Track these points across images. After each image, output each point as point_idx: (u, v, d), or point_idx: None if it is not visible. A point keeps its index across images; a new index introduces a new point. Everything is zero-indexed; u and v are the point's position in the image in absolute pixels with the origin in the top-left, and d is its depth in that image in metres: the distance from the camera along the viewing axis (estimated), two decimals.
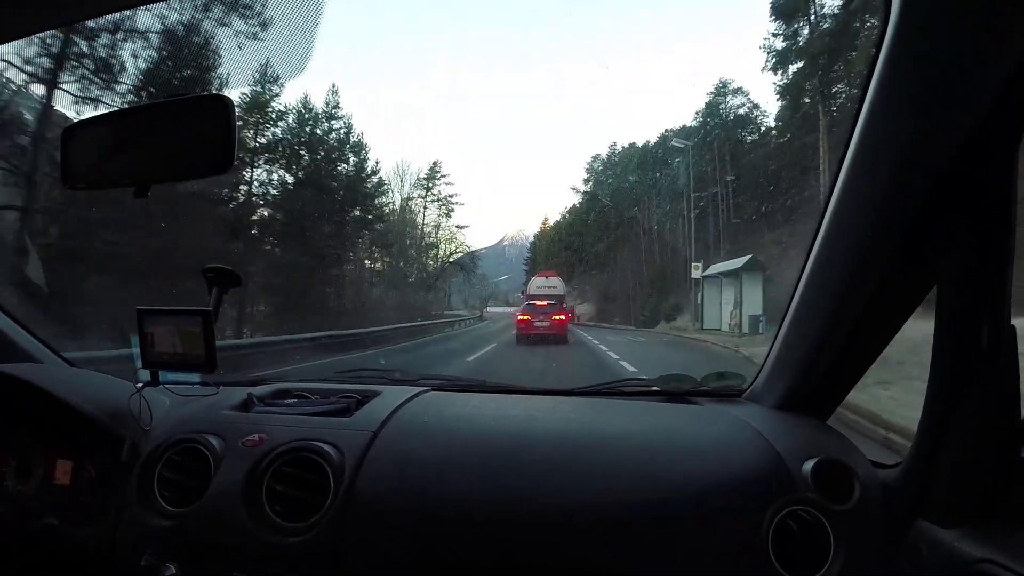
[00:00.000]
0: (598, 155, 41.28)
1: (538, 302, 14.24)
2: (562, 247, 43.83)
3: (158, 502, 0.95)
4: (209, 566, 0.89)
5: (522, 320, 13.19)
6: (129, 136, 0.80)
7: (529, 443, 0.94)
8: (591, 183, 41.46)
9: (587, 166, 41.81)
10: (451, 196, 34.96)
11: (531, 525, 0.82)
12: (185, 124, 0.76)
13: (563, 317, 13.48)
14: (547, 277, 23.72)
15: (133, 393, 1.01)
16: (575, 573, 0.81)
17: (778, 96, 23.51)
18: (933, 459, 0.72)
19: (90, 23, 8.47)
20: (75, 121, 0.85)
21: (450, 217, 34.59)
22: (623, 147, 38.95)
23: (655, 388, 1.29)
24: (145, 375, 0.99)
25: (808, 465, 0.82)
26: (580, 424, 1.02)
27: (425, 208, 33.55)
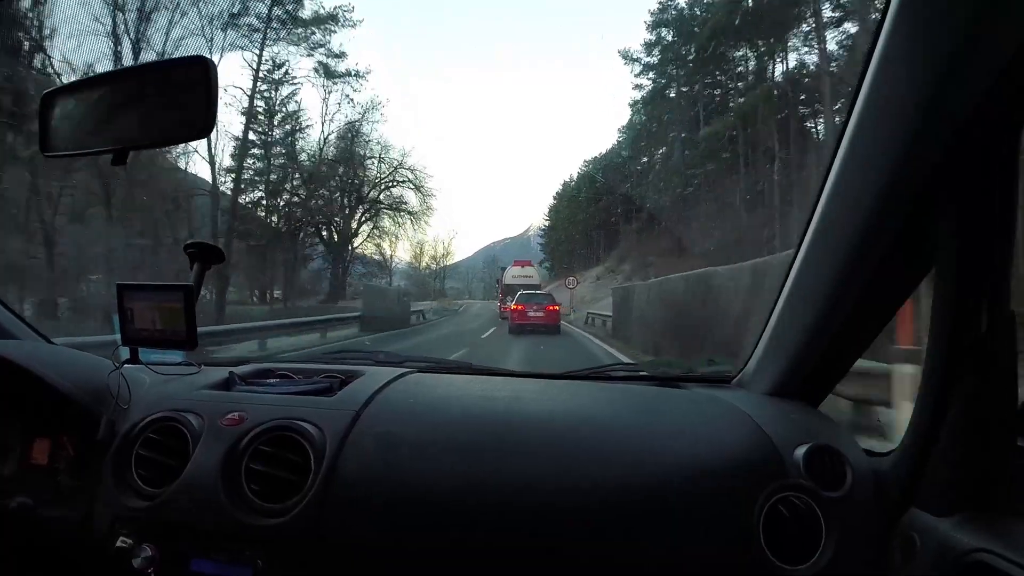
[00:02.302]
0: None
1: (524, 291, 14.44)
2: (591, 200, 31.84)
3: (135, 482, 0.93)
4: (186, 547, 0.87)
5: (516, 310, 13.09)
6: (109, 101, 0.78)
7: (515, 425, 0.92)
8: (657, 51, 23.55)
9: (651, 19, 24.10)
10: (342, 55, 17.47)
11: (515, 507, 0.81)
12: (165, 88, 0.74)
13: (556, 308, 13.55)
14: (523, 267, 23.63)
15: (112, 371, 0.98)
16: (562, 556, 0.79)
17: None
18: (927, 447, 0.70)
19: None
20: (56, 87, 0.83)
21: (350, 101, 18.40)
22: None
23: (644, 373, 1.28)
24: (125, 352, 0.97)
25: (800, 451, 0.80)
26: (567, 407, 1.00)
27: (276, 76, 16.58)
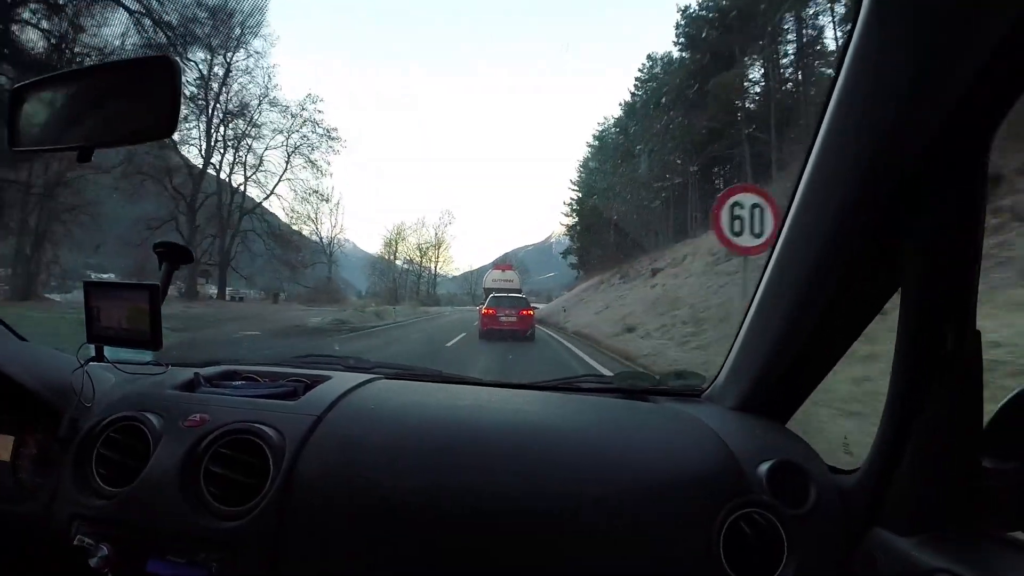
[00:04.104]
0: None
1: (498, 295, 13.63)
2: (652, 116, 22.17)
3: (95, 480, 0.92)
4: (143, 548, 0.86)
5: (486, 314, 12.33)
6: (76, 98, 0.79)
7: (476, 433, 0.91)
8: None
9: None
10: None
11: (474, 514, 0.80)
12: (131, 86, 0.75)
13: (531, 312, 12.70)
14: (503, 271, 24.60)
15: (77, 368, 0.97)
16: (518, 565, 0.78)
17: None
18: (892, 466, 0.70)
19: None
20: (26, 81, 0.83)
21: None
22: None
23: (612, 385, 1.27)
24: (90, 350, 0.96)
25: (764, 467, 0.80)
26: (531, 416, 0.99)
27: None
